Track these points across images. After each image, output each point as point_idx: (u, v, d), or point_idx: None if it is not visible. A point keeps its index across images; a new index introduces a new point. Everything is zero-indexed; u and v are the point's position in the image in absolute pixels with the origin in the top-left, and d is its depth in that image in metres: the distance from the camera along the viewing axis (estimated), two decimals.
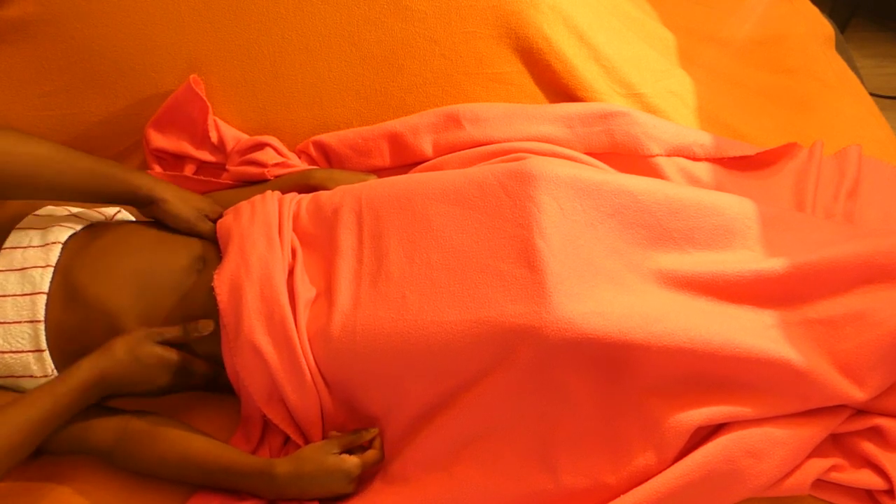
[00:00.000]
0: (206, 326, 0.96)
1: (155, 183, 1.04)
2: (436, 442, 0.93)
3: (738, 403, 0.89)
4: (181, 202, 1.05)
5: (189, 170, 1.19)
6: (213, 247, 1.05)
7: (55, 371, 0.95)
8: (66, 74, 1.17)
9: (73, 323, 0.96)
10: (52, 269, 0.97)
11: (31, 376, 0.95)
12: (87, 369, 0.90)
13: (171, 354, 0.94)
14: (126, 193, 1.03)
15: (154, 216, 1.06)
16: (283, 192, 1.10)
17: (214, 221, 1.08)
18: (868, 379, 0.90)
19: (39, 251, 0.98)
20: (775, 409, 0.90)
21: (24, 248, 0.99)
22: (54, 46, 1.16)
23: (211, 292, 0.97)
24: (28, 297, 0.95)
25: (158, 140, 1.18)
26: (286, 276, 0.98)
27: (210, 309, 0.97)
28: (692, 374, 0.89)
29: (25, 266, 0.97)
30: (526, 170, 0.96)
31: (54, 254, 0.98)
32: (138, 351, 0.92)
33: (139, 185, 1.03)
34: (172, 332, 0.95)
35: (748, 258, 0.96)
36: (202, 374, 0.98)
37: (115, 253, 1.00)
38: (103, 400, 0.95)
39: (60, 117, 1.18)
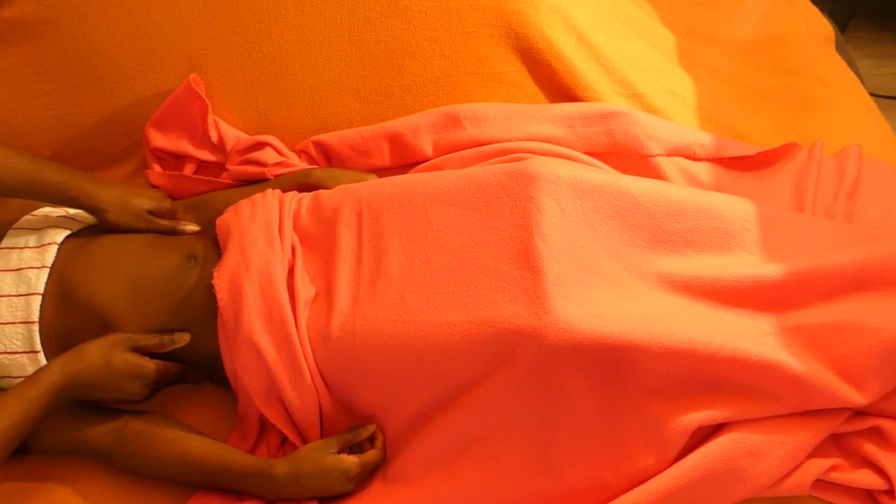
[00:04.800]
0: (181, 338, 0.96)
1: (95, 190, 1.02)
2: (435, 442, 0.92)
3: (738, 405, 0.89)
4: (122, 210, 1.03)
5: (189, 169, 1.20)
6: (204, 243, 1.04)
7: None
8: (66, 74, 1.17)
9: (68, 324, 0.96)
10: (47, 271, 0.97)
11: (27, 376, 0.94)
12: (58, 373, 0.88)
13: (144, 362, 0.92)
14: (67, 202, 1.02)
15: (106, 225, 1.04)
16: (284, 190, 1.10)
17: (173, 217, 1.07)
18: (869, 384, 0.90)
19: (35, 252, 0.98)
20: (775, 411, 0.90)
21: (21, 248, 0.99)
22: (54, 46, 1.17)
23: (207, 289, 0.97)
24: (23, 297, 0.95)
25: (158, 139, 1.18)
26: (286, 275, 0.98)
27: (206, 306, 0.97)
28: (692, 375, 0.89)
29: (21, 267, 0.97)
30: (527, 170, 0.95)
31: (50, 255, 0.98)
32: (111, 356, 0.90)
33: (77, 196, 1.01)
34: (148, 340, 0.94)
35: (747, 262, 0.96)
36: (174, 379, 0.97)
37: (109, 255, 1.00)
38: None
39: (60, 117, 1.18)
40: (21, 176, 0.98)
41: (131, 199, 1.05)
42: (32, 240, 1.00)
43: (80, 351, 0.90)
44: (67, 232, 1.02)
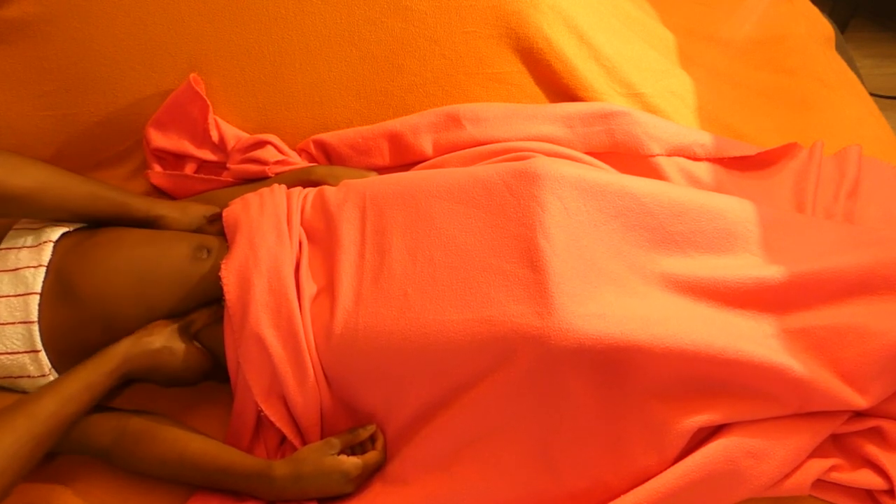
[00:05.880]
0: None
1: (152, 204, 1.07)
2: (435, 442, 0.92)
3: (740, 406, 0.89)
4: (180, 214, 1.07)
5: (190, 169, 1.19)
6: (214, 236, 1.04)
7: (52, 370, 0.95)
8: (66, 74, 1.17)
9: (69, 321, 0.95)
10: (44, 269, 0.97)
11: (29, 376, 0.95)
12: (121, 358, 0.91)
13: (203, 355, 0.97)
14: (124, 216, 1.05)
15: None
16: (288, 187, 1.09)
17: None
18: (871, 388, 0.90)
19: (32, 251, 0.98)
20: (776, 412, 0.90)
21: (18, 248, 0.99)
22: (54, 46, 1.16)
23: (216, 282, 0.96)
24: (21, 297, 0.95)
25: (159, 139, 1.18)
26: (294, 270, 0.98)
27: (214, 298, 0.97)
28: (693, 376, 0.89)
29: (18, 267, 0.97)
30: (531, 169, 0.95)
31: (46, 253, 0.98)
32: (174, 344, 0.94)
33: (136, 208, 1.06)
34: (203, 317, 0.97)
35: (750, 263, 0.96)
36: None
37: (109, 248, 1.00)
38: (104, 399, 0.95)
39: (60, 117, 1.18)
40: (85, 199, 1.02)
41: (189, 205, 1.10)
42: (30, 239, 1.00)
43: (144, 336, 0.93)
44: (63, 230, 1.02)
